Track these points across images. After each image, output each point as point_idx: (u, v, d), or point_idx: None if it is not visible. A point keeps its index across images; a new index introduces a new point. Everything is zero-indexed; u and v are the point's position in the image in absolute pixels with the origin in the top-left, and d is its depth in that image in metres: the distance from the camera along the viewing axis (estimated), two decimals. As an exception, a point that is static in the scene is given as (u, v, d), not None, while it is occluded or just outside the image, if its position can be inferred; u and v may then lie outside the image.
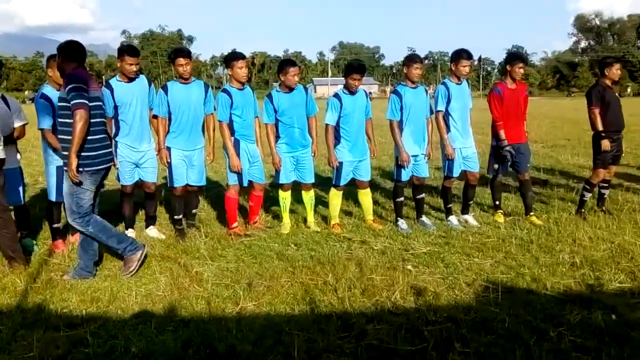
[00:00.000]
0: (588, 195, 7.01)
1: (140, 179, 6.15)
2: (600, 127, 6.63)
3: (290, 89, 6.21)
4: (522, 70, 6.54)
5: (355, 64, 6.30)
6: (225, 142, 6.09)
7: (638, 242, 5.67)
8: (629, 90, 76.92)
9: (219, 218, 7.02)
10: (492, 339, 3.64)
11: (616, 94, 6.77)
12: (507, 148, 6.47)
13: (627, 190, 8.29)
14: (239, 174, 6.15)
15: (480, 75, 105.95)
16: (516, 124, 6.60)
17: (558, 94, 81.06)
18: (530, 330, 3.76)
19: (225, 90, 6.08)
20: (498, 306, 4.16)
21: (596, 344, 3.58)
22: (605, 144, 6.60)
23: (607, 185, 7.10)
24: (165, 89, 6.00)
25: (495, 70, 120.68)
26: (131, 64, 5.82)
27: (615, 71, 6.63)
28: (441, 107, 6.44)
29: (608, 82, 6.68)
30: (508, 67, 6.55)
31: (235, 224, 6.32)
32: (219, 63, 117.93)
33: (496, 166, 6.67)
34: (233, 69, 6.04)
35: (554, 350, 3.50)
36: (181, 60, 5.89)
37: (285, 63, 6.27)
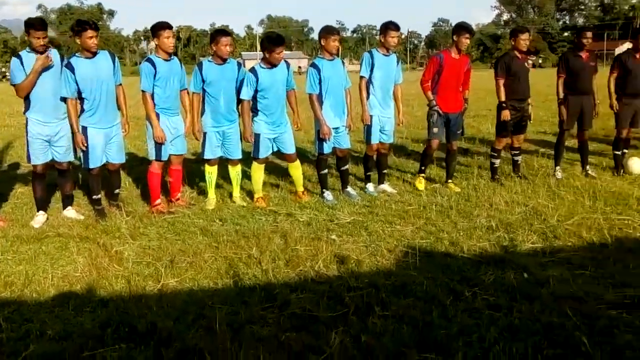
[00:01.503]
0: (497, 162, 7.30)
1: (53, 158, 5.86)
2: (502, 98, 6.88)
3: (223, 60, 6.07)
4: (467, 41, 6.61)
5: (274, 36, 6.20)
6: (148, 113, 5.89)
7: (551, 205, 5.97)
8: (540, 61, 79.77)
9: (142, 196, 6.84)
10: (410, 301, 3.75)
11: (524, 64, 7.02)
12: (435, 108, 6.60)
13: (543, 156, 8.68)
14: (162, 148, 5.99)
15: (408, 49, 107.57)
16: (454, 94, 6.73)
17: (482, 65, 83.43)
18: (447, 291, 3.91)
19: (149, 60, 5.87)
20: (417, 270, 4.29)
21: (508, 301, 3.76)
22: (505, 114, 6.87)
23: (518, 152, 7.41)
24: (70, 67, 5.61)
25: (422, 44, 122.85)
26: (38, 38, 5.48)
27: (522, 41, 6.87)
28: (364, 73, 6.50)
29: (517, 52, 6.92)
30: (455, 38, 6.56)
31: (158, 201, 6.17)
32: (142, 38, 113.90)
33: (436, 130, 6.72)
34: (160, 39, 5.81)
35: (468, 309, 3.65)
36: (90, 33, 5.56)
37: (218, 33, 6.10)
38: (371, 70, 6.47)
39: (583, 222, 5.40)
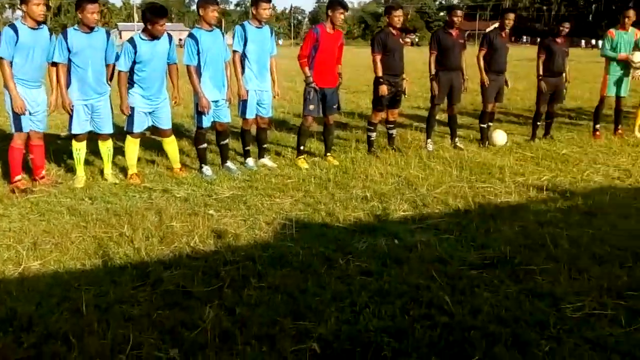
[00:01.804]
0: (373, 135, 7.53)
1: None
2: (379, 73, 7.05)
3: (90, 29, 5.67)
4: (342, 16, 6.62)
5: (157, 7, 5.88)
6: (5, 81, 5.42)
7: (421, 175, 6.28)
8: (417, 39, 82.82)
9: (3, 175, 6.30)
10: (286, 271, 3.79)
11: (400, 40, 7.26)
12: (312, 85, 6.63)
13: (416, 130, 9.08)
14: (23, 120, 5.55)
15: (292, 24, 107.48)
16: (329, 69, 6.75)
17: (363, 43, 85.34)
18: (323, 260, 3.99)
19: (12, 26, 5.47)
20: (294, 241, 4.34)
21: (379, 266, 3.91)
22: (383, 89, 7.05)
23: (392, 126, 7.68)
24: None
25: (306, 20, 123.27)
26: None
27: (395, 18, 7.05)
28: (237, 47, 6.38)
29: (391, 29, 7.13)
30: (329, 12, 6.53)
31: (18, 177, 5.71)
32: (6, 5, 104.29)
33: (312, 107, 6.72)
34: (28, 5, 5.34)
35: (342, 276, 3.75)
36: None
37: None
38: (245, 44, 6.37)
39: (450, 191, 5.73)
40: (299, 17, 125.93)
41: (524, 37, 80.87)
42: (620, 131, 8.75)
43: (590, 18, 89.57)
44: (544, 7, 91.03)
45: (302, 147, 7.03)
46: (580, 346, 3.00)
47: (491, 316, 3.25)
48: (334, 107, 6.95)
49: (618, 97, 8.53)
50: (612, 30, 8.42)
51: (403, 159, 7.05)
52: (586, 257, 4.09)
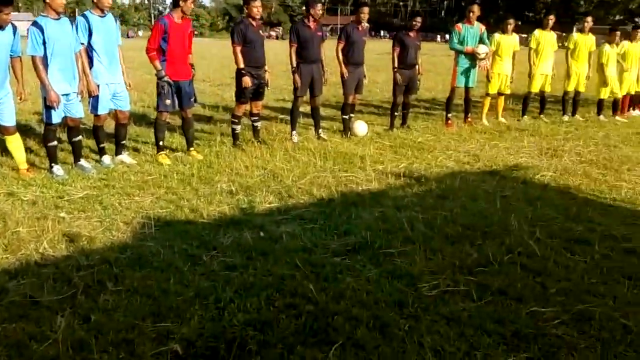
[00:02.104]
0: (237, 128, 7.42)
1: None
2: (240, 64, 6.94)
3: None
4: (192, 5, 6.38)
5: None
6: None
7: (287, 167, 6.31)
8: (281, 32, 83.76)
9: None
10: (146, 272, 3.62)
11: (260, 32, 7.22)
12: (165, 79, 6.36)
13: (281, 122, 9.13)
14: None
15: (152, 15, 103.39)
16: (182, 60, 6.50)
17: (227, 35, 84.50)
18: (185, 257, 3.87)
19: None
20: (154, 240, 4.16)
21: (245, 260, 3.87)
22: (246, 81, 6.94)
23: (257, 118, 7.62)
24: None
25: (167, 10, 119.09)
26: None
27: (254, 8, 6.85)
28: (83, 39, 5.97)
29: (251, 19, 7.00)
30: (181, 3, 6.29)
31: None
32: None
33: (168, 102, 6.45)
34: None
35: (206, 272, 3.66)
36: None
37: None
38: (90, 36, 5.98)
39: (314, 181, 5.82)
40: (160, 8, 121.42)
41: (382, 32, 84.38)
42: (469, 119, 9.42)
43: (442, 14, 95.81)
44: (401, 3, 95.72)
45: (161, 143, 6.73)
46: (437, 322, 3.17)
47: (354, 300, 3.34)
48: (191, 100, 6.74)
49: (467, 88, 9.15)
50: (459, 25, 9.01)
51: (268, 152, 7.05)
52: (440, 237, 4.35)
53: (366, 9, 8.02)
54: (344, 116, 8.37)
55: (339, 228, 4.49)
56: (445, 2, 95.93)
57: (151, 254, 3.88)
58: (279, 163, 6.47)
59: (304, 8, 8.24)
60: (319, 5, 7.75)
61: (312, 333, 3.00)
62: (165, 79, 6.34)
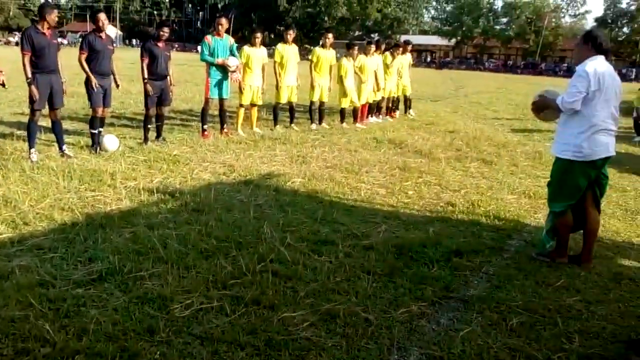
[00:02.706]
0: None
1: None
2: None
3: None
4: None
5: None
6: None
7: (22, 190, 5.61)
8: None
9: None
10: None
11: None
12: None
13: (18, 139, 8.13)
14: None
15: None
16: None
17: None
18: None
19: None
20: None
21: (-35, 305, 3.31)
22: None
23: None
24: None
25: None
26: None
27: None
28: None
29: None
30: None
31: None
32: None
33: None
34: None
35: None
36: None
37: None
38: None
39: (56, 204, 5.27)
40: None
41: (134, 41, 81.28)
42: (226, 130, 9.52)
43: (198, 24, 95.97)
44: (155, 12, 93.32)
45: None
46: (190, 344, 3.08)
47: (99, 334, 3.07)
48: None
49: (221, 99, 9.24)
50: (209, 37, 9.05)
51: (1, 173, 6.20)
52: (194, 253, 4.26)
53: (102, 16, 7.59)
54: (93, 130, 7.79)
55: (83, 255, 4.11)
56: (201, 13, 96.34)
57: None
58: (14, 186, 5.72)
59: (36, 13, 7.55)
60: (55, 12, 7.14)
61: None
62: None
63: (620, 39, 68.56)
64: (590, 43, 4.38)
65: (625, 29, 69.32)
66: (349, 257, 4.40)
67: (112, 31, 62.98)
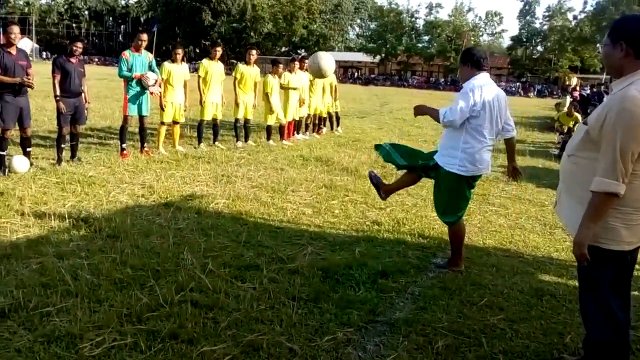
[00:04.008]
0: None
1: None
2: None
3: None
4: None
5: None
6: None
7: None
8: None
9: None
10: None
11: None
12: None
13: None
14: None
15: None
16: None
17: None
18: None
19: None
20: None
21: None
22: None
23: None
24: None
25: None
26: None
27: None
28: None
29: None
30: None
31: None
32: None
33: None
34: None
35: None
36: None
37: None
38: None
39: (-46, 233, 4.84)
40: None
41: (47, 54, 77.71)
42: (146, 149, 9.17)
43: (120, 37, 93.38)
44: (74, 25, 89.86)
45: None
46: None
47: (-5, 382, 2.78)
48: None
49: (141, 116, 8.91)
50: (126, 52, 8.73)
51: None
52: (108, 284, 3.99)
53: (15, 29, 7.13)
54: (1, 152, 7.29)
55: (-18, 292, 3.76)
56: (122, 26, 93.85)
57: None
58: None
59: None
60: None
61: None
62: None
63: (535, 56, 72.44)
64: (469, 63, 4.50)
65: (539, 47, 73.20)
66: (274, 282, 4.26)
67: (27, 44, 60.38)
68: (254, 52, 10.86)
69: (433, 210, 6.70)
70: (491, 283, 4.54)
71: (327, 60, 7.13)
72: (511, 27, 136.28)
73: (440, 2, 75.90)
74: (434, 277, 4.62)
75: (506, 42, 77.05)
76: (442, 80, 72.47)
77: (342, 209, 6.55)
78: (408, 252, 5.18)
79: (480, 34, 77.68)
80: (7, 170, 7.22)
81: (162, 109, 9.35)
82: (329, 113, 13.84)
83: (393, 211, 6.59)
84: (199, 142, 10.27)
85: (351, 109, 21.79)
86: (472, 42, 73.90)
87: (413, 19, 78.00)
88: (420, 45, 77.31)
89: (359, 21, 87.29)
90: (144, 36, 8.89)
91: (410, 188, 7.84)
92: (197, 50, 71.47)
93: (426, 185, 8.09)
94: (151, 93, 8.85)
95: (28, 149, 7.62)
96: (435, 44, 74.31)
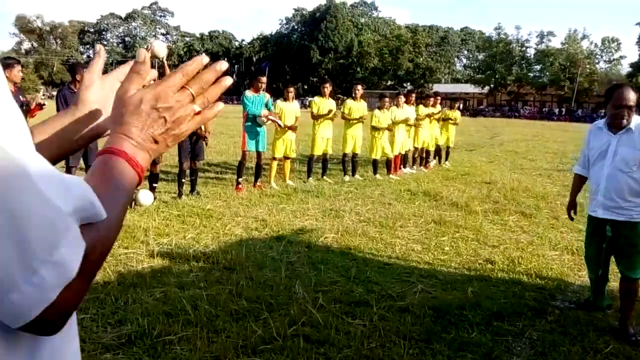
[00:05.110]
0: None
1: None
2: None
3: None
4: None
5: None
6: None
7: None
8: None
9: None
10: None
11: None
12: None
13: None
14: None
15: None
16: None
17: None
18: None
19: None
20: None
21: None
22: None
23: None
24: None
25: None
26: None
27: (16, 72, 6.55)
28: None
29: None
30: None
31: None
32: None
33: None
34: None
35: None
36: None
37: None
38: None
39: (89, 262, 5.26)
40: None
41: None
42: (259, 184, 9.54)
43: (234, 77, 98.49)
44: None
45: None
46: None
47: (124, 405, 2.97)
48: None
49: (258, 152, 9.31)
50: (248, 92, 9.21)
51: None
52: (224, 315, 4.15)
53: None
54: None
55: (112, 317, 4.05)
56: (236, 66, 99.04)
57: None
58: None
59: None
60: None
61: None
62: None
63: (656, 83, 67.62)
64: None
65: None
66: (384, 320, 4.23)
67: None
68: (359, 87, 11.04)
69: (551, 249, 6.42)
70: (615, 329, 4.21)
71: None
72: (630, 54, 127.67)
73: (552, 30, 73.04)
74: (553, 322, 4.37)
75: (625, 69, 72.66)
76: (556, 110, 69.41)
77: (452, 246, 6.40)
78: (524, 293, 4.95)
79: (597, 61, 73.91)
80: (133, 203, 7.78)
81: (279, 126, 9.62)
82: (437, 146, 13.70)
83: (507, 249, 6.34)
84: (308, 176, 10.52)
85: (459, 142, 21.38)
86: (588, 70, 70.37)
87: (523, 49, 75.85)
88: (531, 74, 74.84)
89: (466, 52, 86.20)
90: (264, 79, 9.33)
91: (526, 225, 7.53)
92: (305, 87, 73.68)
93: (542, 222, 7.73)
94: (272, 121, 9.26)
95: (154, 185, 8.17)
96: (547, 73, 71.62)
